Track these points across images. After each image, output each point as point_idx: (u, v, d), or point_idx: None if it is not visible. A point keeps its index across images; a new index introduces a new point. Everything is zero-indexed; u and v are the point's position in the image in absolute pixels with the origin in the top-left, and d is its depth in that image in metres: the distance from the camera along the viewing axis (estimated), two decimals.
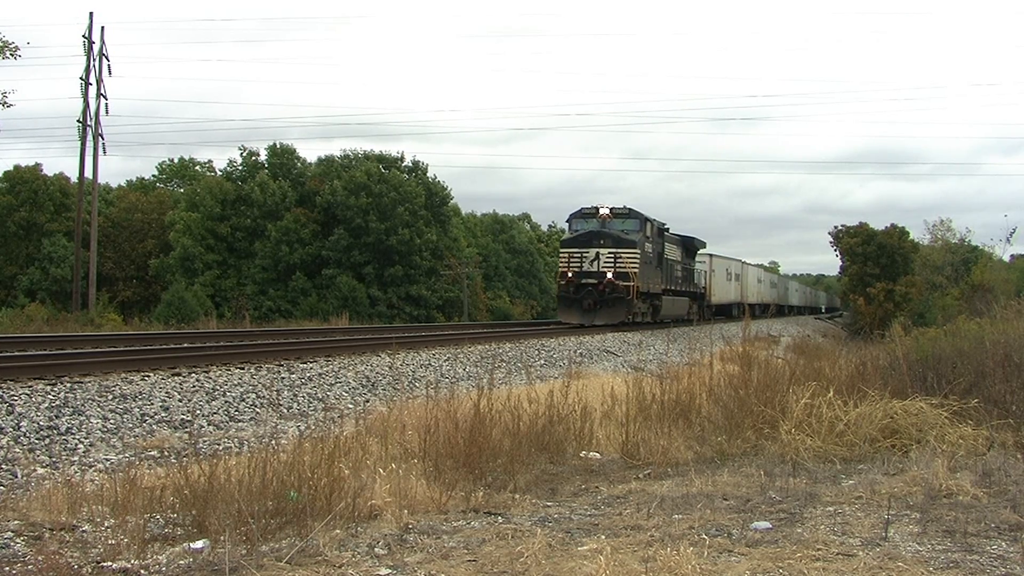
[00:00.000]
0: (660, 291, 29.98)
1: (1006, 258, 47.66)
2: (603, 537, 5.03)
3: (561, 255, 27.58)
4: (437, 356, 15.20)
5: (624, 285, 25.85)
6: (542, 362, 17.19)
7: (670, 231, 33.15)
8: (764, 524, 5.37)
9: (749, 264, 53.57)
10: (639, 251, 26.72)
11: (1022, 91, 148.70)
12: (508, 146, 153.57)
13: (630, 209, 27.78)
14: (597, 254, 26.31)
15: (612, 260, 26.10)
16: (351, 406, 10.44)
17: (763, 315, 47.17)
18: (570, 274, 26.35)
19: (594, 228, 27.10)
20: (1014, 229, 44.63)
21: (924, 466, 6.68)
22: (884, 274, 52.36)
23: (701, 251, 39.34)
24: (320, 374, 12.10)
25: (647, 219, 28.36)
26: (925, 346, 14.21)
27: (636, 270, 26.23)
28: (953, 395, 8.58)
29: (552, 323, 28.81)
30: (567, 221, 29.06)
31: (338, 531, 5.13)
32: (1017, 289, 32.78)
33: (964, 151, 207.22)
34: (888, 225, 57.18)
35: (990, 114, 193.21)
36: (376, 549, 4.89)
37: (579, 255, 26.60)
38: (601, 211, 27.45)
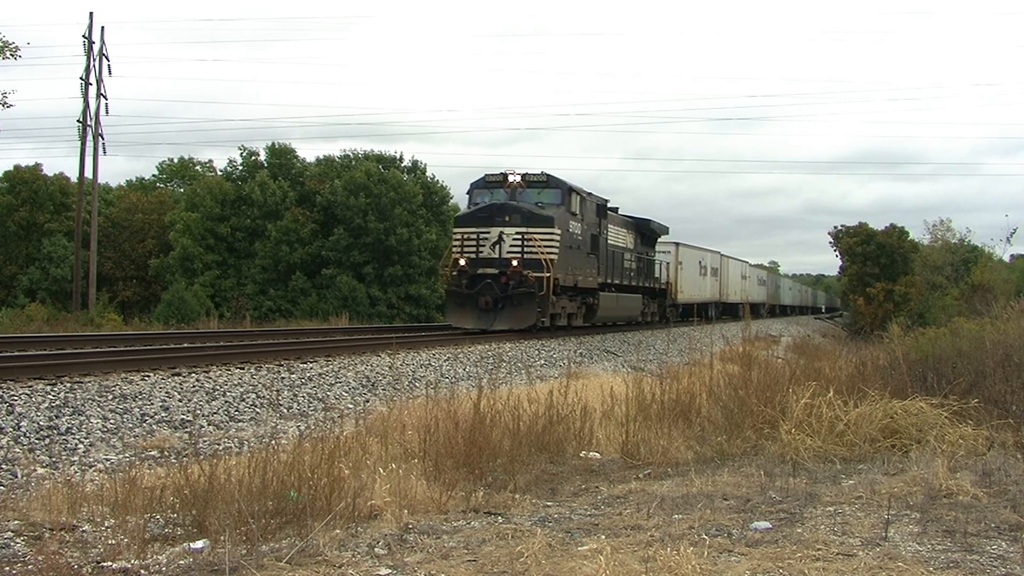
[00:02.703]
0: (596, 285, 23.57)
1: (1006, 258, 47.76)
2: (603, 537, 5.03)
3: (454, 237, 21.04)
4: (437, 356, 15.20)
5: (535, 276, 19.48)
6: (542, 362, 17.19)
7: (618, 211, 27.52)
8: (764, 524, 5.37)
9: (730, 257, 48.28)
10: (559, 231, 20.47)
11: (1022, 91, 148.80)
12: (510, 147, 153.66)
13: (549, 176, 21.51)
14: (500, 235, 19.93)
15: (519, 242, 19.80)
16: (351, 406, 10.44)
17: (751, 315, 43.93)
18: (463, 262, 20.10)
19: (500, 201, 20.74)
20: (1014, 229, 44.67)
21: (924, 466, 6.68)
22: (884, 274, 52.43)
23: (663, 239, 33.13)
24: (320, 374, 12.10)
25: (573, 189, 21.94)
26: (925, 346, 14.24)
27: (554, 256, 19.97)
28: (953, 395, 8.58)
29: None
30: (467, 193, 22.40)
31: (338, 531, 5.13)
32: (1017, 289, 32.81)
33: (964, 151, 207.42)
34: (887, 225, 57.30)
35: (990, 114, 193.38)
36: (376, 549, 4.89)
37: (476, 236, 20.25)
38: (510, 178, 21.05)
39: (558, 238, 20.42)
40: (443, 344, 16.73)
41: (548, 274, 19.67)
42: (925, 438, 7.70)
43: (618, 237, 26.43)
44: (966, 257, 51.16)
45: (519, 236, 19.90)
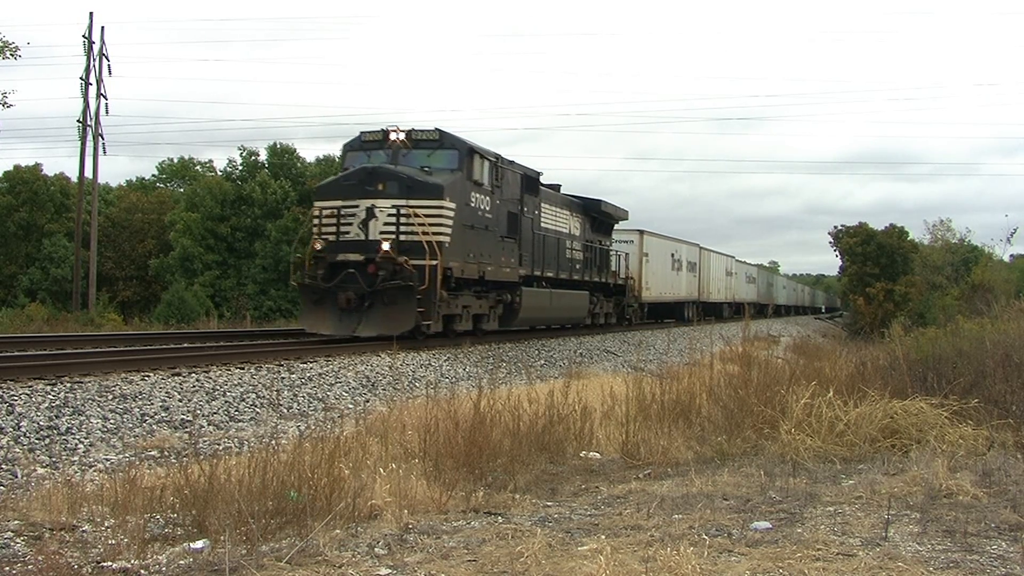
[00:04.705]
0: (517, 278, 18.74)
1: (1006, 258, 47.76)
2: (603, 537, 5.03)
3: (313, 213, 16.39)
4: (437, 356, 15.20)
5: (415, 264, 14.89)
6: (542, 362, 17.20)
7: (560, 190, 23.25)
8: (764, 524, 5.37)
9: (712, 250, 43.72)
10: (453, 205, 15.87)
11: (1022, 91, 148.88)
12: (511, 147, 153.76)
13: (443, 133, 16.64)
14: (370, 210, 15.29)
15: (394, 219, 15.23)
16: (351, 406, 10.44)
17: (737, 316, 38.53)
18: (319, 246, 15.64)
19: (377, 164, 16.03)
20: (1014, 229, 44.63)
21: (924, 466, 6.69)
22: (884, 274, 52.46)
23: (624, 226, 28.67)
24: (320, 374, 12.10)
25: (476, 151, 16.99)
26: (925, 346, 14.25)
27: (443, 237, 15.51)
28: (953, 395, 8.59)
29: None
30: (340, 157, 17.83)
31: (338, 531, 5.13)
32: (1017, 289, 32.80)
33: (964, 151, 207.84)
34: (888, 225, 57.34)
35: (990, 114, 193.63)
36: (376, 549, 4.89)
37: (336, 212, 15.65)
38: (392, 136, 16.43)
39: (451, 213, 15.80)
40: (443, 344, 16.73)
41: (434, 261, 14.99)
42: (925, 438, 7.71)
43: (556, 220, 21.80)
44: (966, 257, 51.19)
45: (394, 211, 15.27)
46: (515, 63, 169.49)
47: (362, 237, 15.38)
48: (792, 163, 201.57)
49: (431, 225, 15.28)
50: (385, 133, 16.57)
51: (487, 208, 17.47)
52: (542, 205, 20.67)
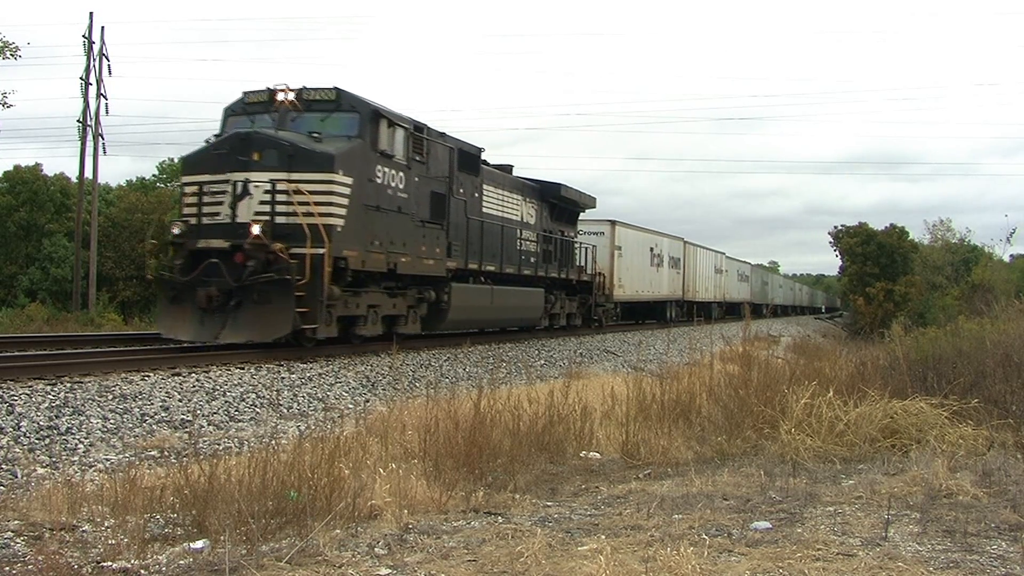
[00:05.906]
0: (444, 272, 15.80)
1: (1006, 258, 47.76)
2: (603, 537, 5.03)
3: (182, 191, 13.83)
4: (437, 356, 15.21)
5: (295, 252, 12.13)
6: (542, 362, 17.20)
7: (512, 171, 20.42)
8: (764, 524, 5.37)
9: (699, 246, 40.57)
10: (349, 179, 12.95)
11: (1022, 91, 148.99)
12: (512, 147, 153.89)
13: (341, 92, 13.64)
14: (241, 185, 12.45)
15: (270, 197, 12.37)
16: (351, 406, 10.44)
17: (729, 317, 37.56)
18: (177, 230, 12.99)
19: (247, 130, 13.14)
20: (1014, 229, 44.62)
21: (924, 466, 6.69)
22: (884, 274, 52.53)
23: (591, 216, 25.90)
24: (320, 374, 12.10)
25: (383, 115, 13.99)
26: (925, 346, 14.25)
27: (335, 220, 12.64)
28: (953, 395, 8.60)
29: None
30: (220, 123, 14.25)
31: (338, 531, 5.13)
32: (1017, 289, 32.79)
33: (964, 151, 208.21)
34: (888, 225, 57.43)
35: (990, 114, 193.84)
36: (376, 549, 4.89)
37: (200, 189, 12.91)
38: (280, 95, 13.51)
39: (345, 190, 12.87)
40: (443, 344, 16.73)
41: (320, 249, 12.19)
42: (925, 438, 7.71)
43: (504, 205, 18.86)
44: (966, 257, 51.26)
45: (270, 185, 12.35)
46: (516, 63, 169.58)
47: (230, 219, 12.49)
48: (792, 163, 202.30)
49: (317, 204, 12.40)
50: (271, 93, 13.62)
51: (400, 186, 14.42)
52: (484, 187, 17.80)
